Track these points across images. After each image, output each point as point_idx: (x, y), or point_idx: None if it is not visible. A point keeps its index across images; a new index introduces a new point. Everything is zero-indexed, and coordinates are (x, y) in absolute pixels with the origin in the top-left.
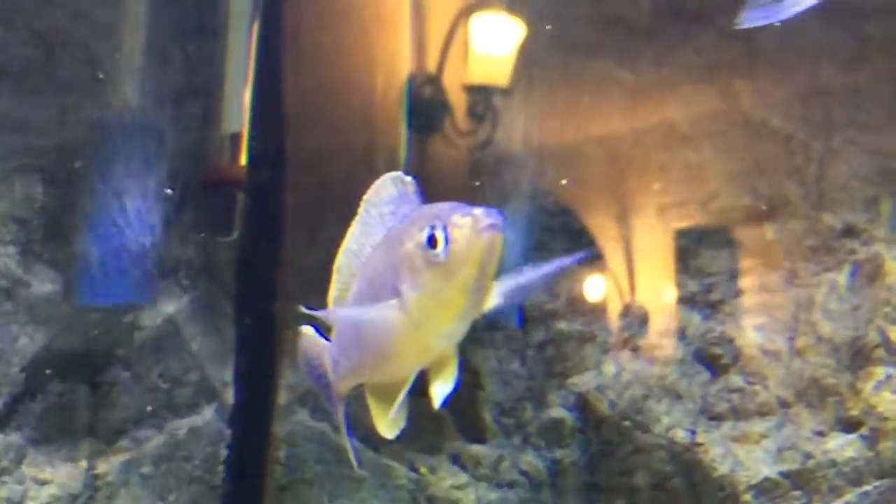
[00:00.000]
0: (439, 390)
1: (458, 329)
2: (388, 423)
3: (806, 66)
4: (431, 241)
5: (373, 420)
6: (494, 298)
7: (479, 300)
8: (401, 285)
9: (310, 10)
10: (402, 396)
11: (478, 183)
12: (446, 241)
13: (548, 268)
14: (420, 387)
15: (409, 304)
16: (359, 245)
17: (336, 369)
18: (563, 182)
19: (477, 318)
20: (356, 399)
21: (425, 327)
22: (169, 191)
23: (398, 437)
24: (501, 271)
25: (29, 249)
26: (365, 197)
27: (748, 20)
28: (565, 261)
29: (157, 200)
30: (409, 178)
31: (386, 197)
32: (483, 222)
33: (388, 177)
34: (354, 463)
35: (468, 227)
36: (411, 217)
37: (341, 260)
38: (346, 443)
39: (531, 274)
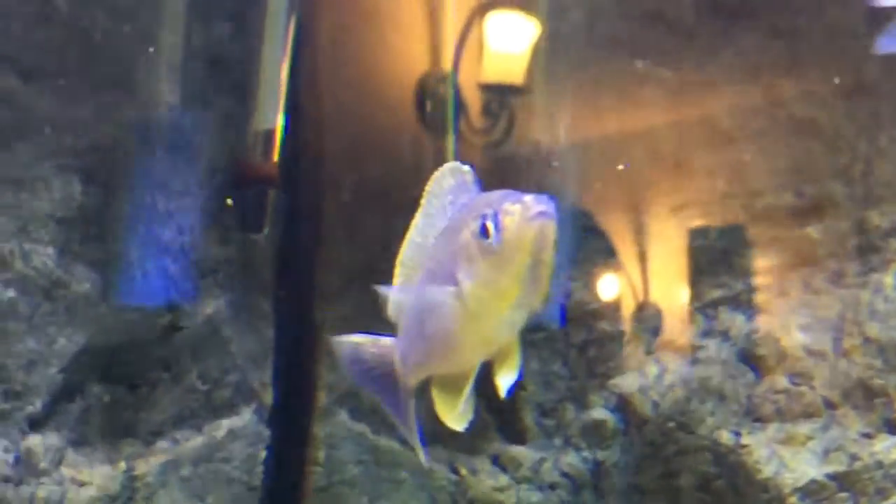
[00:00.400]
0: (504, 380)
1: (517, 318)
2: (455, 416)
3: (851, 64)
4: (484, 230)
5: (439, 414)
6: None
7: (536, 289)
8: (458, 274)
9: (345, 8)
10: (469, 386)
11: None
12: (497, 229)
13: None
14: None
15: (466, 292)
16: (423, 237)
17: (405, 363)
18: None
19: (539, 307)
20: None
21: (483, 316)
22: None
23: (467, 429)
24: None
25: (68, 249)
26: (427, 188)
27: (887, 45)
28: None
29: (195, 199)
30: (466, 168)
31: (446, 187)
32: (533, 210)
33: (446, 167)
34: (424, 459)
35: (518, 214)
36: (468, 206)
37: (405, 252)
38: (415, 439)
39: None
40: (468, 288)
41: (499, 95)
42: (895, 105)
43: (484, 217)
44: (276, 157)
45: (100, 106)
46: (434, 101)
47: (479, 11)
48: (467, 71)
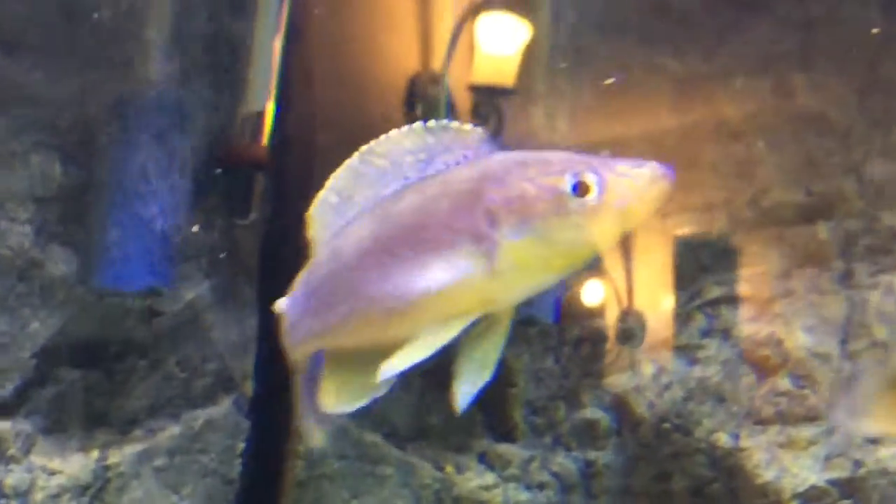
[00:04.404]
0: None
1: (539, 286)
2: (347, 398)
3: (866, 59)
4: (577, 188)
5: (325, 394)
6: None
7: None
8: (490, 228)
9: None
10: (412, 356)
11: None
12: (600, 187)
13: None
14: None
15: (503, 250)
16: (341, 197)
17: (295, 330)
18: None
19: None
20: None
21: (507, 278)
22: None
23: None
24: None
25: (45, 229)
26: (368, 148)
27: None
28: None
29: (179, 182)
30: (469, 126)
31: (412, 146)
32: (658, 172)
33: (417, 126)
34: (317, 440)
35: (637, 176)
36: (504, 161)
37: (317, 209)
38: (305, 418)
39: None
40: (510, 245)
41: (488, 97)
42: None
43: (576, 174)
44: (265, 141)
45: (83, 83)
46: (424, 100)
47: (473, 11)
48: (458, 72)
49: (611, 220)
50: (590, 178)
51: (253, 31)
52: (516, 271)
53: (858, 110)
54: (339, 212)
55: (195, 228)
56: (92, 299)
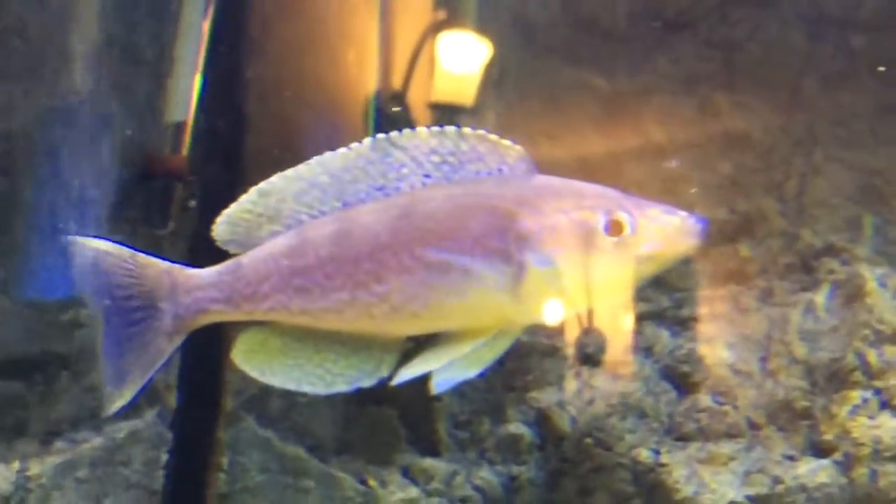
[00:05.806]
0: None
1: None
2: (260, 363)
3: (789, 80)
4: (609, 226)
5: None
6: None
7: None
8: (519, 252)
9: (295, 19)
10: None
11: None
12: (631, 229)
13: None
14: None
15: (529, 274)
16: (336, 179)
17: (209, 296)
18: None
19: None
20: (307, 406)
21: (528, 302)
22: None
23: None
24: None
25: None
26: (385, 137)
27: None
28: None
29: (102, 192)
30: (508, 142)
31: (440, 147)
32: (689, 223)
33: (449, 130)
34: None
35: (668, 224)
36: (541, 187)
37: (277, 183)
38: (132, 388)
39: None
40: (536, 271)
41: (448, 115)
42: (831, 122)
43: (608, 212)
44: (185, 151)
45: (6, 93)
46: (382, 117)
47: (434, 28)
48: (417, 90)
49: (636, 263)
50: (622, 218)
51: (175, 41)
52: (538, 297)
53: (781, 130)
54: (330, 193)
55: None
56: (14, 310)
